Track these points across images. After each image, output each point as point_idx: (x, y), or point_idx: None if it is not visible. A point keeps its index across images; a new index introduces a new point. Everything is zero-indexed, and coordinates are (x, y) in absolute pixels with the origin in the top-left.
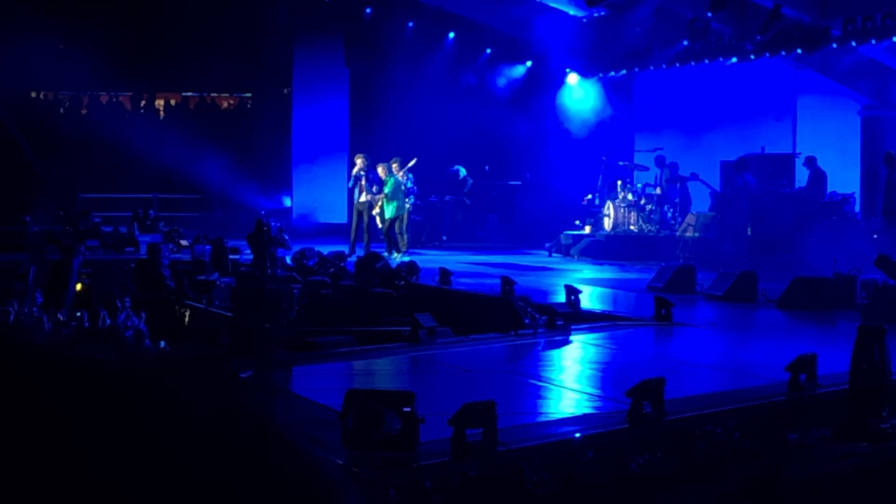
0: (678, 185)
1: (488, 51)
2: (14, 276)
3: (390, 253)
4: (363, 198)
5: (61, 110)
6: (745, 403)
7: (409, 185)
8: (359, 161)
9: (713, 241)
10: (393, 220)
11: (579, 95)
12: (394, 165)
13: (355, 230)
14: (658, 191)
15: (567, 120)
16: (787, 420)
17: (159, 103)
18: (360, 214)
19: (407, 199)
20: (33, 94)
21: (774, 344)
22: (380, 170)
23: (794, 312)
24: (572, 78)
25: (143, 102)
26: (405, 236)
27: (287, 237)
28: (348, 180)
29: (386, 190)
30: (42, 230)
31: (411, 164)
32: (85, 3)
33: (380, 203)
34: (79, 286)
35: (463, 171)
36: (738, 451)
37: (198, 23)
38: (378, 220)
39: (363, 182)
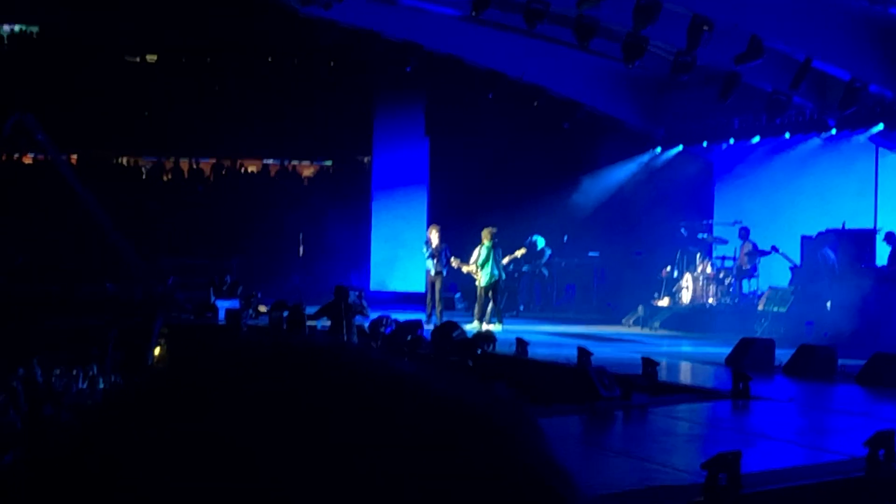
0: (757, 258)
1: (568, 123)
2: (93, 340)
3: (489, 321)
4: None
5: (143, 176)
6: (821, 478)
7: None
8: (433, 233)
9: (792, 316)
10: (487, 289)
11: (657, 167)
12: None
13: (430, 299)
14: (739, 263)
15: (646, 191)
16: (865, 496)
17: (240, 170)
18: (432, 284)
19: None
20: (115, 161)
21: (852, 420)
22: (484, 237)
23: (874, 388)
24: (652, 149)
25: (224, 171)
26: (484, 306)
27: (366, 304)
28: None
29: (479, 260)
30: (122, 294)
31: (518, 254)
32: (169, 71)
33: (478, 272)
34: (157, 350)
35: (542, 242)
36: None
37: (279, 91)
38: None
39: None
